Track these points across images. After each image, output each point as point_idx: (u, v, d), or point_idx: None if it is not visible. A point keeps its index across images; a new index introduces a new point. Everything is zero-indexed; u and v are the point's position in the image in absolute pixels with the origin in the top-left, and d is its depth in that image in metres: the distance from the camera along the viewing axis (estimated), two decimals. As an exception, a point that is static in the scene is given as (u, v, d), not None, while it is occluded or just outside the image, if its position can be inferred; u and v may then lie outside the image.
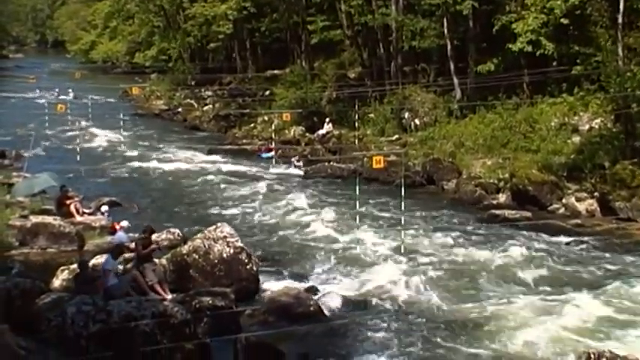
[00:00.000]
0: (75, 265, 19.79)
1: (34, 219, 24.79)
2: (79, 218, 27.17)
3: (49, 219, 24.90)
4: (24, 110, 58.15)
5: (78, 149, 43.30)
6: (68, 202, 27.74)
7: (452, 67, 41.59)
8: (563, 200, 30.54)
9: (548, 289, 21.41)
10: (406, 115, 41.83)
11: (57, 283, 19.89)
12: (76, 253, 23.46)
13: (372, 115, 44.45)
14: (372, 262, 23.97)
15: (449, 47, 41.74)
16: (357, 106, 44.12)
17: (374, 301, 20.69)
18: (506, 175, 32.53)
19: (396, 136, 41.38)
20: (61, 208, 27.55)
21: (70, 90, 71.40)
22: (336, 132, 44.65)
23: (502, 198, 32.02)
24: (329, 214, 29.91)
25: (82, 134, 49.98)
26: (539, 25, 36.80)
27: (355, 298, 20.77)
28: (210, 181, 37.71)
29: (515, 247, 24.99)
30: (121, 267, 19.91)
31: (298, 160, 40.78)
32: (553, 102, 36.76)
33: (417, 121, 41.29)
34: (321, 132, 45.13)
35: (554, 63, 37.75)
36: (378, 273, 22.84)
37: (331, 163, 39.55)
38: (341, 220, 29.00)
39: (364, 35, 49.75)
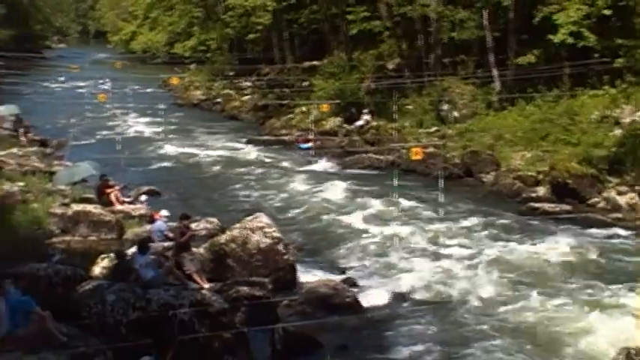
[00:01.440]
0: (114, 254, 19.87)
1: (75, 207, 24.94)
2: (118, 207, 27.31)
3: (89, 207, 25.06)
4: (66, 99, 58.61)
5: (118, 138, 43.57)
6: (108, 190, 27.91)
7: (491, 58, 41.17)
8: (604, 194, 30.09)
9: (588, 283, 21.10)
10: (445, 106, 41.52)
11: (97, 270, 19.99)
12: (116, 241, 23.59)
13: (410, 107, 44.19)
14: (410, 255, 23.85)
15: (489, 39, 41.31)
16: (395, 98, 43.89)
17: (412, 293, 20.59)
18: (546, 168, 32.13)
19: (435, 128, 41.09)
20: (101, 197, 27.73)
21: (107, 80, 72.05)
22: (374, 123, 44.44)
23: (541, 191, 31.61)
24: (367, 205, 29.82)
25: (122, 123, 50.36)
26: (582, 16, 36.28)
27: (393, 291, 20.65)
28: (248, 171, 37.77)
29: (555, 240, 24.72)
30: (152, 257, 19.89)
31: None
32: (594, 94, 36.22)
33: (455, 113, 40.97)
34: (359, 123, 44.94)
35: (596, 55, 37.19)
36: (416, 265, 22.74)
37: (369, 154, 39.37)
38: (379, 212, 28.90)
39: (403, 26, 49.39)
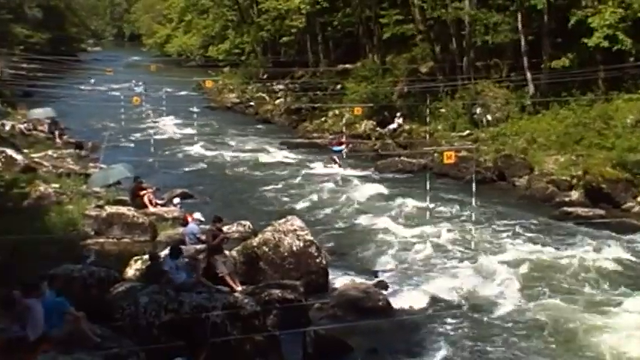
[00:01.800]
0: (147, 256, 20.00)
1: (109, 209, 25.14)
2: (152, 209, 27.52)
3: (123, 209, 25.23)
4: (100, 102, 59.12)
5: (152, 141, 43.88)
6: (142, 193, 28.14)
7: (525, 62, 40.93)
8: (638, 198, 29.83)
9: (623, 290, 20.88)
10: (478, 110, 41.35)
11: (130, 272, 20.13)
12: (149, 243, 23.74)
13: (443, 110, 44.06)
14: (442, 259, 23.81)
15: (522, 42, 41.08)
16: (428, 101, 43.76)
17: (444, 298, 20.52)
18: (580, 172, 31.90)
19: (468, 131, 40.94)
20: (135, 199, 27.96)
21: (141, 82, 72.49)
22: (406, 127, 44.42)
23: (575, 195, 31.38)
24: (399, 208, 29.82)
25: (156, 126, 50.69)
26: (617, 19, 35.95)
27: (425, 295, 20.59)
28: (281, 174, 37.89)
29: (589, 245, 24.52)
30: (187, 261, 19.97)
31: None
32: (629, 98, 35.85)
33: (488, 117, 40.79)
34: (392, 126, 44.93)
35: (631, 59, 36.86)
36: (449, 270, 22.69)
37: (401, 157, 39.35)
38: (411, 215, 28.88)
39: (437, 29, 49.26)
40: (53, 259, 20.23)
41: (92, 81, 75.74)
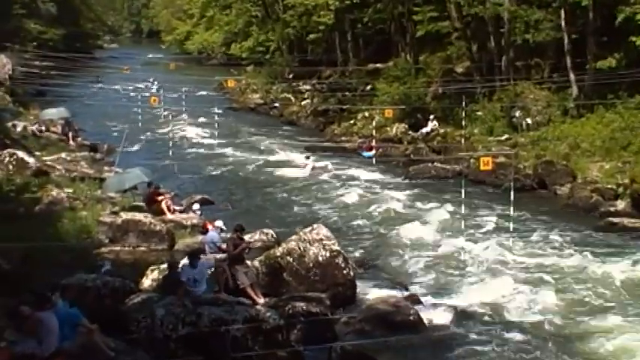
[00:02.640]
0: (165, 265, 20.10)
1: (125, 216, 25.24)
2: (169, 216, 27.64)
3: (139, 216, 25.34)
4: (116, 102, 59.53)
5: (170, 144, 44.11)
6: (159, 198, 28.26)
7: (568, 62, 40.76)
8: (690, 209, 29.62)
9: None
10: (517, 113, 41.21)
11: (146, 283, 20.26)
12: (166, 252, 23.85)
13: (480, 113, 43.97)
14: (477, 271, 23.75)
15: (566, 41, 40.91)
16: (464, 103, 43.68)
17: (479, 312, 20.46)
18: (626, 181, 31.66)
19: (506, 135, 40.81)
20: (151, 205, 28.08)
21: (155, 82, 73.02)
22: (441, 130, 44.34)
23: (621, 205, 31.16)
24: (432, 217, 29.77)
25: (174, 128, 50.95)
26: (669, 16, 35.78)
27: (459, 309, 20.53)
28: (306, 179, 37.94)
29: (635, 258, 24.35)
30: (209, 271, 20.04)
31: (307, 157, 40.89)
32: (681, 101, 35.69)
33: (528, 120, 40.65)
34: (425, 130, 44.88)
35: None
36: (485, 283, 22.62)
37: (435, 163, 39.30)
38: (445, 225, 28.82)
39: (474, 27, 49.19)
40: (66, 267, 20.40)
41: (99, 80, 76.21)
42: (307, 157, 41.24)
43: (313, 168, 39.74)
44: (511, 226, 26.02)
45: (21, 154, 33.29)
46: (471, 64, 48.89)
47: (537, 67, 45.21)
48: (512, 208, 26.20)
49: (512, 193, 26.33)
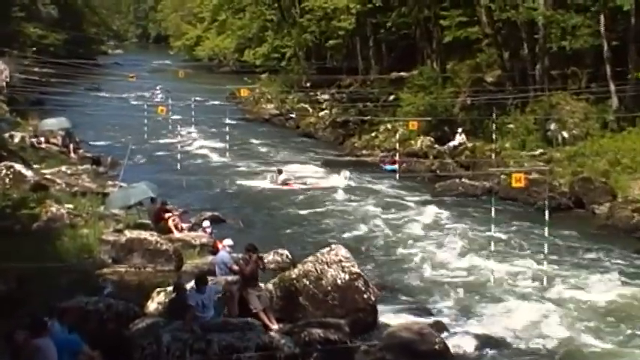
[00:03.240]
0: (172, 288, 20.11)
1: (129, 234, 25.29)
2: (177, 234, 27.71)
3: (145, 234, 25.37)
4: (121, 112, 59.80)
5: (178, 157, 44.23)
6: (166, 216, 28.36)
7: (608, 71, 40.67)
8: None
9: None
10: (552, 126, 41.14)
11: (152, 306, 20.25)
12: (174, 273, 23.88)
13: (511, 126, 43.90)
14: (508, 296, 23.65)
15: (605, 48, 40.85)
16: (494, 115, 43.65)
17: (509, 341, 20.36)
18: (671, 200, 31.59)
19: (540, 150, 40.73)
20: (158, 223, 28.17)
21: (159, 89, 73.37)
22: (469, 144, 44.30)
23: (664, 226, 31.10)
24: (459, 238, 29.68)
25: (183, 140, 51.10)
26: None
27: (488, 337, 20.44)
28: (324, 196, 37.94)
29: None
30: (215, 297, 20.00)
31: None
32: None
33: (564, 134, 40.56)
34: (453, 143, 44.85)
35: None
36: (516, 309, 22.51)
37: (463, 179, 39.25)
38: (473, 246, 28.74)
39: (506, 33, 49.19)
40: (65, 289, 20.47)
41: (97, 88, 76.66)
42: (279, 171, 41.17)
43: (285, 182, 39.82)
44: (545, 247, 25.87)
45: (18, 167, 33.50)
46: (502, 72, 48.88)
47: (574, 77, 45.10)
48: (546, 229, 26.05)
49: (546, 212, 26.18)
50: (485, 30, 49.48)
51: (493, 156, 41.73)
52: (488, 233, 28.23)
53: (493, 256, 26.78)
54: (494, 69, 50.94)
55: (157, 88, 77.55)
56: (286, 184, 39.98)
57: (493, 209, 27.44)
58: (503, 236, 29.56)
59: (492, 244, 27.18)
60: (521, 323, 21.38)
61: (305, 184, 40.55)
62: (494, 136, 43.14)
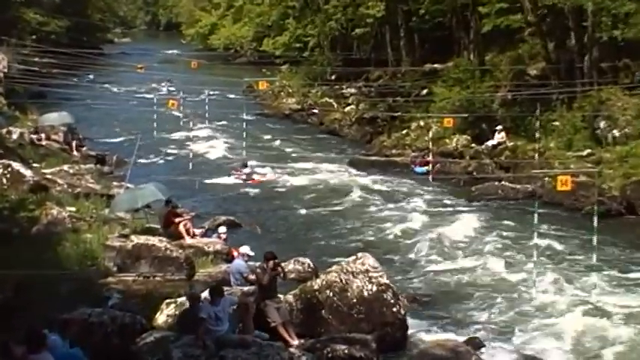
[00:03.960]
0: (182, 299, 20.16)
1: (136, 239, 25.33)
2: (189, 240, 27.76)
3: (153, 240, 25.41)
4: (128, 106, 60.02)
5: (190, 155, 44.33)
6: (177, 220, 28.39)
7: (664, 63, 40.50)
8: None
9: None
10: (602, 124, 40.92)
11: (161, 319, 20.32)
12: (184, 282, 23.92)
13: (557, 124, 43.68)
14: (552, 311, 23.58)
15: (662, 38, 40.65)
16: (538, 112, 43.43)
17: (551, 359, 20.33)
18: None
19: (588, 150, 40.50)
20: (168, 227, 28.23)
21: (169, 81, 73.61)
22: (510, 143, 44.10)
23: None
24: (498, 246, 29.65)
25: (195, 137, 51.20)
26: None
27: (528, 355, 20.43)
28: (349, 200, 37.96)
29: None
30: (230, 309, 20.02)
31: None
32: None
33: (615, 133, 40.32)
34: (491, 143, 44.69)
35: None
36: (560, 325, 22.45)
37: (503, 182, 39.16)
38: (513, 255, 28.67)
39: (551, 21, 48.94)
40: (66, 299, 20.55)
41: (163, 86, 77.07)
42: (244, 165, 41.42)
43: (250, 177, 39.99)
44: (593, 257, 25.79)
45: (16, 165, 33.69)
46: (546, 65, 48.62)
47: (626, 70, 44.84)
48: (594, 237, 25.93)
49: (595, 218, 26.08)
50: (529, 18, 49.22)
51: (536, 156, 41.52)
52: (530, 241, 28.10)
53: (535, 266, 26.66)
54: (538, 61, 50.67)
55: (167, 80, 77.78)
56: (251, 179, 40.22)
57: (536, 215, 27.32)
58: (547, 245, 29.46)
59: (535, 253, 27.06)
60: (567, 341, 21.34)
61: (265, 176, 41.44)
62: (537, 135, 42.89)
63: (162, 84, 76.58)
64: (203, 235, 29.07)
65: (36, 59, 70.72)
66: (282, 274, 20.90)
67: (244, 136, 49.12)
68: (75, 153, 43.47)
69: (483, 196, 38.07)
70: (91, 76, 79.08)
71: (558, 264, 27.75)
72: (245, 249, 24.27)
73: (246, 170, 41.14)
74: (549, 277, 26.07)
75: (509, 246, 29.75)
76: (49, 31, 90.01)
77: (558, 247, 29.68)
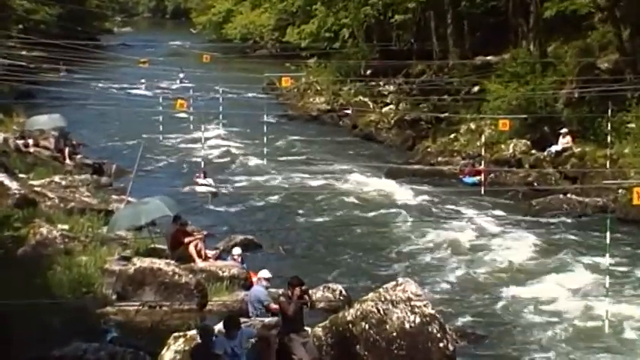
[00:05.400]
0: (193, 332, 20.19)
1: (139, 263, 25.43)
2: (200, 264, 27.77)
3: (159, 263, 25.50)
4: (131, 106, 60.25)
5: (202, 165, 44.44)
6: (187, 240, 28.40)
7: None
8: None
9: None
10: (686, 126, 40.87)
11: (168, 355, 20.34)
12: (196, 313, 23.99)
13: (632, 126, 43.51)
14: (627, 347, 23.47)
15: None
16: (610, 112, 43.32)
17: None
18: None
19: (669, 157, 40.47)
20: (176, 249, 28.26)
21: (189, 79, 73.91)
22: (577, 149, 44.00)
23: None
24: (562, 271, 29.56)
25: (208, 142, 51.34)
26: None
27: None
28: (387, 216, 37.94)
29: None
30: (248, 344, 20.01)
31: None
32: None
33: (702, 137, 40.28)
34: (555, 148, 44.56)
35: None
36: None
37: (569, 194, 39.02)
38: (582, 281, 28.54)
39: (625, 5, 48.86)
40: (59, 332, 20.61)
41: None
42: (204, 174, 41.77)
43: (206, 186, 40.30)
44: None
45: (0, 176, 33.78)
46: (620, 57, 48.49)
47: None
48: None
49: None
50: (599, 1, 49.17)
51: (608, 164, 41.39)
52: (602, 265, 28.02)
53: (608, 292, 26.56)
54: (610, 52, 50.59)
55: (185, 78, 78.17)
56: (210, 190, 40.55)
57: (608, 234, 27.20)
58: (622, 268, 29.38)
59: (607, 278, 26.96)
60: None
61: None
62: (609, 139, 42.78)
63: (178, 75, 76.80)
64: (217, 258, 29.03)
65: (23, 52, 71.10)
66: (309, 303, 20.90)
67: (265, 141, 49.26)
68: (68, 161, 43.61)
69: (545, 212, 37.96)
70: (86, 73, 79.49)
71: (635, 293, 27.59)
72: (265, 273, 24.28)
73: (201, 181, 41.25)
74: (624, 310, 25.91)
75: (577, 271, 29.62)
76: (39, 20, 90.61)
77: (635, 271, 29.56)
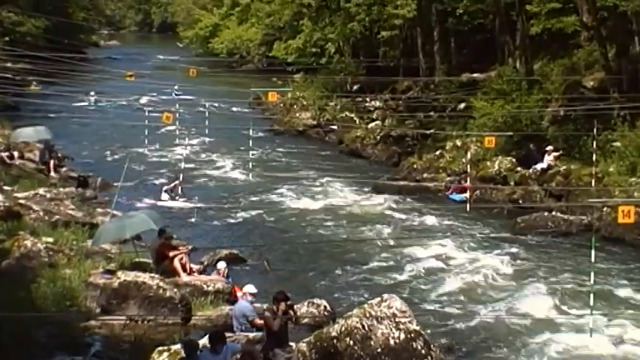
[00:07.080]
0: (178, 346, 20.16)
1: (124, 276, 25.39)
2: (185, 278, 27.77)
3: (144, 277, 25.48)
4: (116, 120, 60.18)
5: (188, 178, 44.37)
6: (172, 254, 28.38)
7: None
8: None
9: None
10: (671, 145, 40.97)
11: (152, 370, 20.37)
12: (180, 327, 23.97)
13: (618, 144, 43.61)
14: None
15: None
16: (595, 130, 43.41)
17: None
18: None
19: (655, 176, 40.56)
20: (161, 262, 28.24)
21: (175, 93, 73.91)
22: (562, 167, 44.09)
23: None
24: (547, 289, 29.58)
25: (194, 157, 51.32)
26: None
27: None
28: (373, 231, 37.98)
29: None
30: (237, 356, 19.99)
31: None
32: None
33: (687, 156, 40.37)
34: (541, 166, 44.66)
35: None
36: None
37: (554, 212, 39.10)
38: (565, 300, 28.59)
39: (611, 25, 49.03)
40: (42, 347, 20.55)
41: (92, 96, 77.38)
42: (172, 189, 41.67)
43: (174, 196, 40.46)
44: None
45: (-16, 188, 33.77)
46: (605, 75, 48.63)
47: (700, 82, 44.91)
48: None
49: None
50: (585, 20, 49.28)
51: (593, 182, 41.47)
52: (586, 284, 28.08)
53: (592, 313, 26.61)
54: (596, 70, 50.74)
55: (171, 91, 78.07)
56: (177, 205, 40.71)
57: (593, 252, 27.27)
58: (606, 287, 29.44)
59: (592, 297, 27.01)
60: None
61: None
62: (594, 157, 42.86)
63: (173, 92, 76.84)
64: (202, 272, 29.05)
65: (8, 64, 70.93)
66: (294, 319, 20.89)
67: (251, 155, 49.25)
68: (53, 174, 43.54)
69: (530, 229, 38.01)
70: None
71: (619, 312, 27.63)
72: (250, 288, 24.27)
73: (165, 196, 41.27)
74: (608, 328, 25.97)
75: (561, 289, 29.65)
76: (25, 32, 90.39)
77: (619, 291, 29.62)
